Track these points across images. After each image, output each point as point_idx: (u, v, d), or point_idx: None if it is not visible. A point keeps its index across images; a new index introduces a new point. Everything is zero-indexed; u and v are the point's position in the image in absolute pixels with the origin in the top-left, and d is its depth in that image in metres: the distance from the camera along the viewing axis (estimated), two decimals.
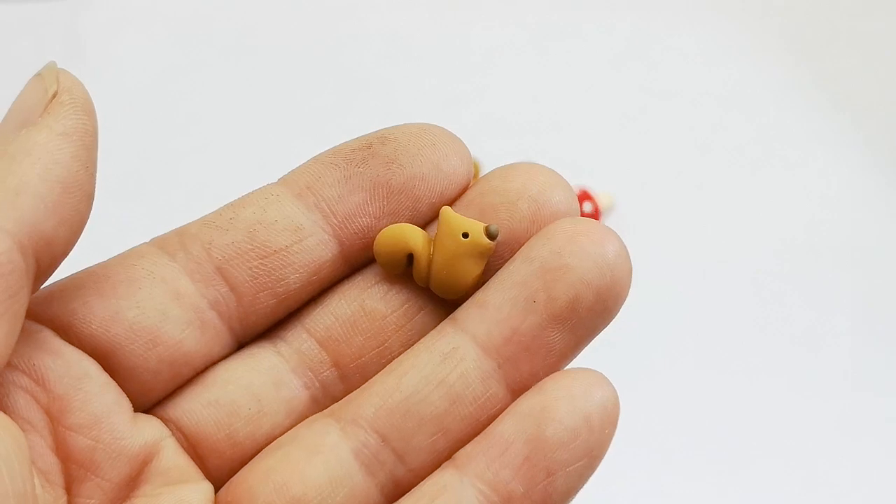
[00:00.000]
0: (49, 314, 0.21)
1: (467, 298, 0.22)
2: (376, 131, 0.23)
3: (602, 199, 0.52)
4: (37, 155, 0.19)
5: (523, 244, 0.22)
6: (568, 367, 0.22)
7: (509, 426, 0.21)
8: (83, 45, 0.60)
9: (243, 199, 0.23)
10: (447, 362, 0.22)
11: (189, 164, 0.54)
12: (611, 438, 0.21)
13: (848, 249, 0.51)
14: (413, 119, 0.56)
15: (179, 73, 0.59)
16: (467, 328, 0.22)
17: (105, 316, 0.21)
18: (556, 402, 0.21)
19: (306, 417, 0.23)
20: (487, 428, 0.21)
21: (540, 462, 0.21)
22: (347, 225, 0.22)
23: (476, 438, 0.21)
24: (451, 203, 0.23)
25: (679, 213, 0.52)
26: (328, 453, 0.21)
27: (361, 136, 0.23)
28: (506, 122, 0.56)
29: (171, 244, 0.23)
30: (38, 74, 0.23)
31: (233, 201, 0.23)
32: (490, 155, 0.54)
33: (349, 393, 0.23)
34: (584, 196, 0.51)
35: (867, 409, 0.45)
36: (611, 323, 0.23)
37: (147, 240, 0.24)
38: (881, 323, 0.48)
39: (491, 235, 0.22)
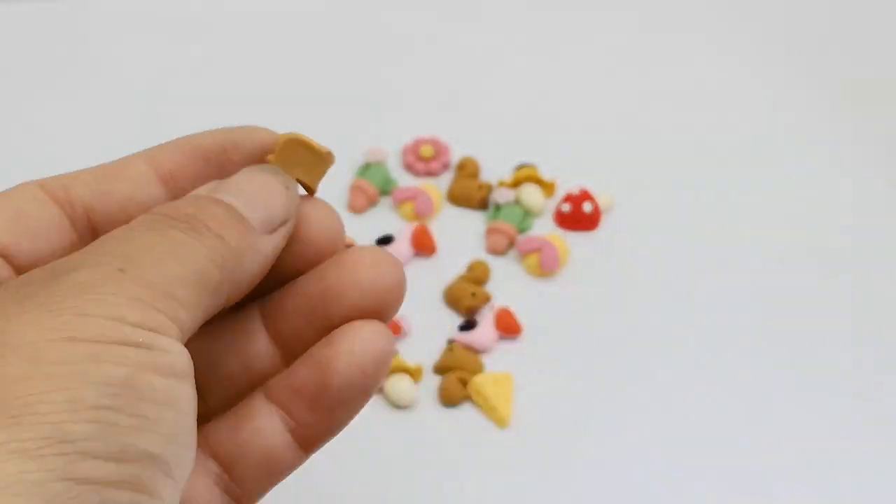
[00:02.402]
0: None
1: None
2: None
3: (602, 200, 0.52)
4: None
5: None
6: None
7: (304, 371, 0.26)
8: (83, 45, 0.60)
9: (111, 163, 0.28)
10: None
11: None
12: (384, 377, 0.26)
13: (849, 250, 0.51)
14: (412, 119, 0.56)
15: (179, 72, 0.59)
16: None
17: None
18: (339, 358, 0.25)
19: None
20: (290, 367, 0.26)
21: (324, 402, 0.26)
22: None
23: (282, 374, 0.26)
24: None
25: (679, 213, 0.52)
26: None
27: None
28: (506, 123, 0.56)
29: (55, 190, 0.27)
30: (281, 178, 0.27)
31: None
32: (490, 155, 0.54)
33: None
34: (584, 196, 0.51)
35: (866, 410, 0.45)
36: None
37: None
38: (882, 323, 0.48)
39: None
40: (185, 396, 0.22)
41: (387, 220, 0.51)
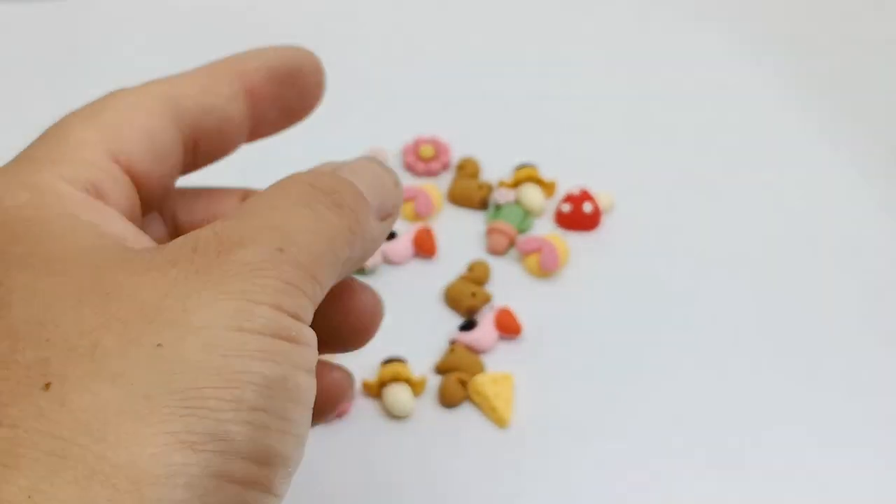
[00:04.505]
0: None
1: None
2: None
3: (602, 199, 0.52)
4: None
5: None
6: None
7: None
8: (83, 45, 0.60)
9: None
10: None
11: None
12: None
13: (849, 249, 0.51)
14: (412, 119, 0.56)
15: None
16: None
17: None
18: None
19: None
20: None
21: None
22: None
23: None
24: None
25: (679, 213, 0.52)
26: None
27: None
28: (506, 123, 0.56)
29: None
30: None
31: None
32: (490, 155, 0.54)
33: None
34: (584, 196, 0.51)
35: (866, 410, 0.45)
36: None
37: None
38: (882, 323, 0.48)
39: None
40: (314, 392, 0.23)
41: None
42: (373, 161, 0.28)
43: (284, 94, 0.29)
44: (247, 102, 0.28)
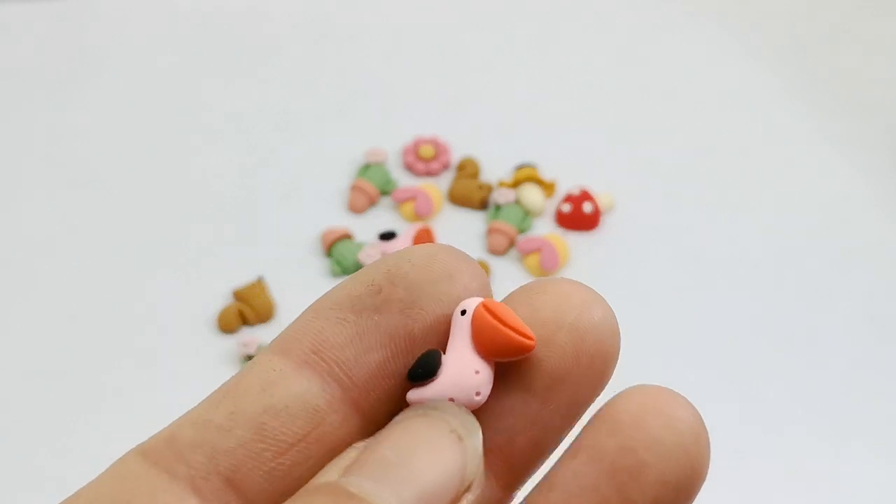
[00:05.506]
0: None
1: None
2: (380, 265, 0.19)
3: (602, 199, 0.52)
4: None
5: (569, 384, 0.20)
6: None
7: None
8: (83, 45, 0.60)
9: (240, 382, 0.19)
10: None
11: (189, 164, 0.54)
12: None
13: (848, 249, 0.51)
14: (412, 119, 0.56)
15: (179, 73, 0.59)
16: None
17: None
18: None
19: None
20: None
21: None
22: (370, 393, 0.18)
23: None
24: None
25: (679, 213, 0.52)
26: None
27: (365, 275, 0.19)
28: (506, 123, 0.56)
29: (166, 457, 0.18)
30: None
31: (227, 385, 0.19)
32: (491, 155, 0.54)
33: None
34: (584, 196, 0.51)
35: (866, 410, 0.45)
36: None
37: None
38: (882, 323, 0.48)
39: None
40: None
41: (387, 221, 0.51)
42: (414, 418, 0.18)
43: (363, 331, 0.19)
44: (308, 369, 0.19)
